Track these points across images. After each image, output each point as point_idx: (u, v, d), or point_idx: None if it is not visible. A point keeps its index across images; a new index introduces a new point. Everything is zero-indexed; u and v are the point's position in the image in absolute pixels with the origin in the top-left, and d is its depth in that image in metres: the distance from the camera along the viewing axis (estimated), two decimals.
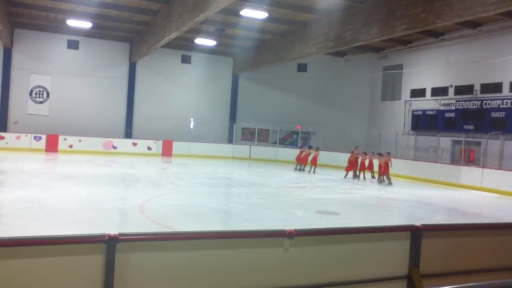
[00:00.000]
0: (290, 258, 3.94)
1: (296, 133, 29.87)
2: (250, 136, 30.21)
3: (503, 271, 4.85)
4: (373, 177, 20.15)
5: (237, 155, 28.21)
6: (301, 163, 22.19)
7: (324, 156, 22.88)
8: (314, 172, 21.21)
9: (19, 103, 26.01)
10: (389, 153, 19.91)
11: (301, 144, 28.57)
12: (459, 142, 21.53)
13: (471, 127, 21.24)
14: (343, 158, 21.59)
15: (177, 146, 27.29)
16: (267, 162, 26.83)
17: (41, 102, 26.49)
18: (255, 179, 19.09)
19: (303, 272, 4.00)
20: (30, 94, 26.29)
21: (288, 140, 30.36)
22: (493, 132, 19.68)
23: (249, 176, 20.40)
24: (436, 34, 22.12)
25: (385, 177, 18.88)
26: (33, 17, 23.64)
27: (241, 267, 3.77)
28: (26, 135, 24.50)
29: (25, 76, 26.07)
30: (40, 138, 24.74)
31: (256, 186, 16.50)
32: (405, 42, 24.39)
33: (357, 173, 20.00)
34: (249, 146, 28.74)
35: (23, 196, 10.98)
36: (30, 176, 14.99)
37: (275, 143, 29.81)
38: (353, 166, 20.11)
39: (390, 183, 18.53)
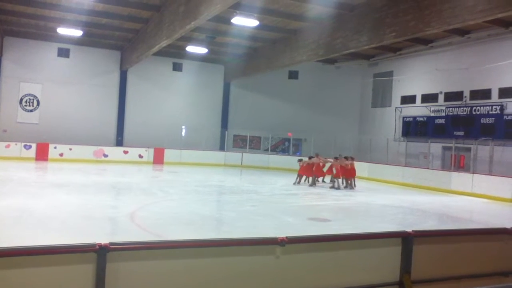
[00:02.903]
0: (282, 265, 3.94)
1: (288, 140, 29.91)
2: (242, 143, 30.21)
3: (493, 277, 4.89)
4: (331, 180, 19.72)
5: (228, 162, 28.17)
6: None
7: None
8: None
9: (9, 112, 25.80)
10: (317, 153, 20.16)
11: (293, 150, 28.66)
12: (449, 148, 21.70)
13: (461, 133, 21.42)
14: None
15: (168, 154, 27.20)
16: (259, 169, 26.81)
17: (31, 111, 26.31)
18: (247, 186, 19.06)
19: (295, 279, 4.00)
20: (20, 102, 26.11)
21: (279, 147, 30.38)
22: (483, 138, 19.86)
23: (241, 184, 20.37)
24: (425, 42, 22.36)
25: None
26: (23, 25, 23.55)
27: (233, 275, 3.77)
28: (16, 144, 24.28)
29: (15, 84, 25.89)
30: (30, 146, 24.54)
31: (248, 193, 16.48)
32: (395, 50, 24.62)
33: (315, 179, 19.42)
34: (240, 153, 28.72)
35: (13, 205, 10.87)
36: (20, 184, 14.85)
37: (267, 150, 29.83)
38: (307, 172, 19.33)
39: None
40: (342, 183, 19.02)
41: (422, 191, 19.59)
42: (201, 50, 25.44)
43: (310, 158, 19.97)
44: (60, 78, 26.80)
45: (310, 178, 19.36)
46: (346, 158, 19.41)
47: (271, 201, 14.86)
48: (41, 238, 7.79)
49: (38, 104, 26.44)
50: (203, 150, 28.26)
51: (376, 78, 27.55)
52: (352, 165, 19.17)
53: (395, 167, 22.43)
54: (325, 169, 19.85)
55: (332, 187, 18.65)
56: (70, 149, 25.15)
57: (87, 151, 25.50)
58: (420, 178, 20.71)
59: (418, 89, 24.58)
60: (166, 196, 14.30)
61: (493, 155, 19.48)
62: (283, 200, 15.43)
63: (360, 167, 21.65)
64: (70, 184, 15.45)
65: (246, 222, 10.87)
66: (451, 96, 22.41)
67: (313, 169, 19.25)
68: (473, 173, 19.05)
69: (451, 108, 22.22)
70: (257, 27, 20.09)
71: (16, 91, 25.98)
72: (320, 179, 19.90)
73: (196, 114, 29.79)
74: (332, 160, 19.52)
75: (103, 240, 3.39)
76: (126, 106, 28.35)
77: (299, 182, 19.41)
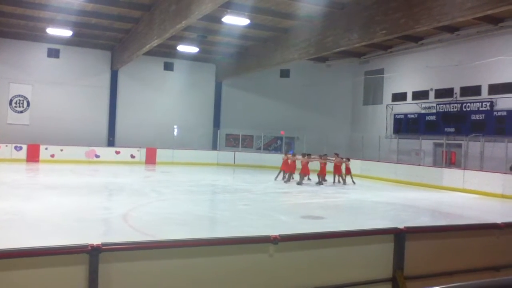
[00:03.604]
0: (275, 263, 3.95)
1: (280, 138, 29.94)
2: (234, 142, 30.19)
3: (485, 271, 4.93)
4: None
5: (221, 162, 28.15)
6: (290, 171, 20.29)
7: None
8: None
9: None
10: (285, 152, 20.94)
11: (286, 149, 28.68)
12: (441, 144, 21.83)
13: (452, 129, 21.56)
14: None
15: (161, 154, 27.11)
16: (251, 168, 26.82)
17: (21, 112, 26.10)
18: (240, 185, 19.06)
19: (288, 277, 4.01)
20: (10, 103, 25.89)
21: (272, 145, 30.41)
22: (473, 134, 20.00)
23: (234, 183, 20.37)
24: (416, 39, 22.48)
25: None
26: (12, 26, 23.34)
27: (227, 273, 3.77)
28: (6, 145, 24.07)
29: (4, 85, 25.66)
30: (20, 148, 24.34)
31: (241, 192, 16.48)
32: (386, 47, 24.72)
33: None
34: (233, 152, 28.70)
35: (4, 208, 10.78)
36: (11, 187, 14.73)
37: (260, 148, 29.84)
38: (290, 168, 19.85)
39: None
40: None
41: (414, 187, 19.70)
42: (193, 49, 25.38)
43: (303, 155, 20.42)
44: (50, 78, 26.61)
45: (287, 174, 19.94)
46: (320, 156, 20.38)
47: (264, 200, 14.87)
48: (34, 241, 7.71)
49: (28, 105, 26.24)
50: (196, 149, 28.21)
51: (367, 76, 27.64)
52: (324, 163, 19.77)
53: (387, 164, 22.55)
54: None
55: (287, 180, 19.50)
56: (62, 150, 24.98)
57: (78, 151, 25.34)
58: (412, 174, 20.82)
59: (409, 86, 24.70)
60: (159, 196, 14.26)
61: (483, 151, 19.63)
62: (276, 199, 15.45)
63: (353, 165, 21.68)
64: (62, 186, 15.36)
65: (239, 221, 10.88)
66: (441, 93, 22.54)
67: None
68: (464, 169, 19.19)
69: (441, 105, 22.36)
70: (248, 26, 20.09)
71: (6, 92, 25.75)
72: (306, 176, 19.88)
73: (188, 114, 29.72)
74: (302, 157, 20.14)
75: (96, 241, 3.37)
76: (117, 106, 28.21)
77: (282, 178, 19.93)
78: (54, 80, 26.69)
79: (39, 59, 26.45)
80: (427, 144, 22.80)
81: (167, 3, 16.97)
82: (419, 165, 21.69)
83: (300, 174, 19.21)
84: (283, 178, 19.91)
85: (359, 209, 14.19)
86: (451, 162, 21.72)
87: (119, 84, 28.28)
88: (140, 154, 26.83)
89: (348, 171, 20.22)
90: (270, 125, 29.03)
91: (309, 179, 19.79)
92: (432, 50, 22.88)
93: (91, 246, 3.24)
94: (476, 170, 18.72)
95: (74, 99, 27.18)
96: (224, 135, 30.26)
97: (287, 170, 19.87)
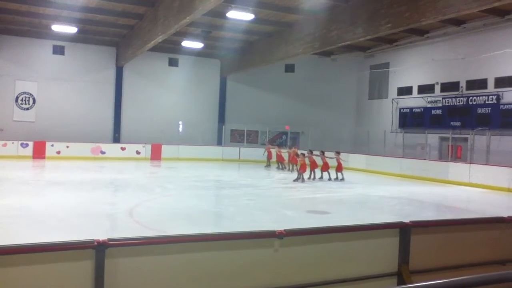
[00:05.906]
0: (280, 258, 3.96)
1: (285, 133, 29.91)
2: (239, 137, 30.18)
3: (490, 265, 4.92)
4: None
5: (226, 157, 28.17)
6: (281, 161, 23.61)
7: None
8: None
9: (5, 110, 25.70)
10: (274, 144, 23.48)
11: (290, 144, 28.64)
12: (446, 138, 21.74)
13: (458, 123, 21.45)
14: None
15: (166, 150, 27.17)
16: (256, 163, 26.80)
17: (27, 109, 26.22)
18: (245, 180, 19.07)
19: (294, 271, 4.01)
20: (16, 100, 26.01)
21: (277, 140, 30.35)
22: (479, 128, 19.89)
23: (239, 178, 20.38)
24: (421, 32, 22.34)
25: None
26: (17, 23, 23.41)
27: (232, 268, 3.78)
28: (13, 142, 24.20)
29: (10, 82, 25.77)
30: (27, 145, 24.46)
31: (246, 187, 16.49)
32: (391, 41, 24.59)
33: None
34: (238, 148, 28.71)
35: (10, 204, 10.86)
36: (17, 183, 14.82)
37: (265, 144, 29.79)
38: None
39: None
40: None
41: (419, 182, 19.63)
42: (197, 45, 25.37)
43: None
44: (56, 75, 26.69)
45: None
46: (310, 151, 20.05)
47: (269, 195, 14.89)
48: (40, 237, 7.77)
49: (34, 102, 26.35)
50: (201, 145, 28.24)
51: (373, 70, 27.53)
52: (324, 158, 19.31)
53: (392, 159, 22.48)
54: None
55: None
56: (67, 146, 25.09)
57: (84, 148, 25.43)
58: (418, 169, 20.75)
59: (414, 80, 24.58)
60: (164, 192, 14.31)
61: (489, 145, 19.52)
62: (281, 194, 15.46)
63: (358, 159, 21.73)
64: (68, 182, 15.43)
65: (244, 216, 10.90)
66: (447, 87, 22.42)
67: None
68: (470, 163, 19.10)
69: (447, 99, 22.24)
70: (252, 21, 20.03)
71: (12, 89, 25.87)
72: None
73: (193, 109, 29.74)
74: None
75: (102, 236, 3.39)
76: (122, 102, 28.27)
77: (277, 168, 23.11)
78: (59, 77, 26.77)
79: (44, 56, 26.53)
80: (432, 138, 22.69)
81: None
82: (425, 159, 21.62)
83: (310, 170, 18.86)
84: (282, 168, 22.54)
85: (364, 204, 14.17)
86: (457, 156, 21.62)
87: (124, 80, 28.33)
88: (145, 150, 26.89)
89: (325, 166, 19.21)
90: (275, 120, 29.00)
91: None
92: (437, 43, 22.74)
93: (97, 242, 3.26)
94: (482, 164, 18.63)
95: (80, 95, 27.27)
96: (229, 131, 30.26)
97: (283, 160, 22.77)
